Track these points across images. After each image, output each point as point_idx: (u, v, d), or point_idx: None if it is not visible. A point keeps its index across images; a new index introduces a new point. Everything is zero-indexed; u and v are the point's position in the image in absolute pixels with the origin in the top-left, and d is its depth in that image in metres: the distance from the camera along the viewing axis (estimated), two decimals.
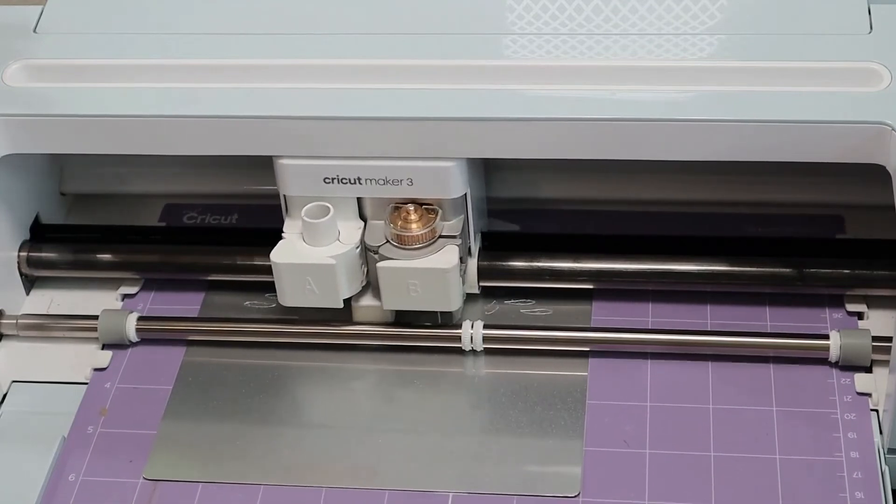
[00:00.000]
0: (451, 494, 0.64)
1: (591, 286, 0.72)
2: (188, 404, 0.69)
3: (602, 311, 0.72)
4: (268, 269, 0.72)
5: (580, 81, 0.66)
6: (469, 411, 0.68)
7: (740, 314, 0.71)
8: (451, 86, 0.66)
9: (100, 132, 0.67)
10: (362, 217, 0.69)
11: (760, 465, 0.63)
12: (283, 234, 0.68)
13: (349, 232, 0.68)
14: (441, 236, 0.67)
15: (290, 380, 0.70)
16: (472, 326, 0.70)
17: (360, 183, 0.67)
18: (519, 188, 0.76)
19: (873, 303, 0.70)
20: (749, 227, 0.75)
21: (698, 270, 0.70)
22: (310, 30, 0.71)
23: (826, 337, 0.67)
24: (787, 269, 0.70)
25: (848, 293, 0.70)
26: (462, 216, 0.68)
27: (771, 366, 0.68)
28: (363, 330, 0.71)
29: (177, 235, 0.78)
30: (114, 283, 0.76)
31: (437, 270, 0.66)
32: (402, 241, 0.67)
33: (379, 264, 0.67)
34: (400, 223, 0.67)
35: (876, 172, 0.62)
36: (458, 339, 0.70)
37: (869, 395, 0.66)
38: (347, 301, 0.69)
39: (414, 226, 0.67)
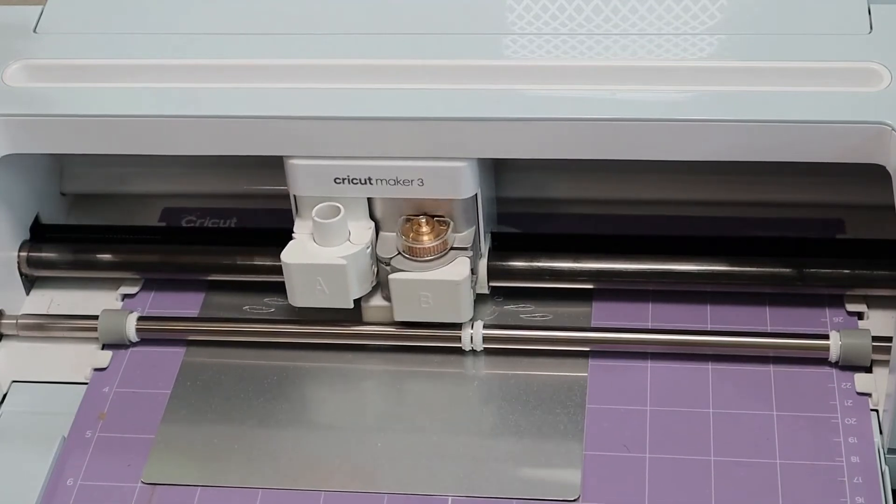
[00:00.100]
0: (450, 498, 0.64)
1: (591, 286, 0.72)
2: (187, 407, 0.69)
3: (602, 312, 0.72)
4: (268, 269, 0.72)
5: (584, 81, 0.66)
6: (469, 413, 0.68)
7: (740, 314, 0.71)
8: (463, 86, 0.66)
9: (100, 132, 0.67)
10: (373, 217, 0.69)
11: (761, 469, 0.63)
12: (293, 235, 0.68)
13: (360, 232, 0.68)
14: (453, 248, 0.68)
15: (289, 381, 0.70)
16: (473, 326, 0.70)
17: (370, 183, 0.67)
18: (519, 188, 0.76)
19: (873, 303, 0.70)
20: (749, 227, 0.75)
21: (698, 270, 0.70)
22: (317, 30, 0.71)
23: (826, 337, 0.67)
24: (787, 269, 0.70)
25: (848, 293, 0.70)
26: (473, 227, 0.68)
27: (771, 366, 0.68)
28: (362, 330, 0.71)
29: (177, 235, 0.78)
30: (114, 283, 0.76)
31: (449, 283, 0.67)
32: (413, 253, 0.67)
33: (391, 276, 0.67)
34: (412, 235, 0.67)
35: (876, 172, 0.62)
36: (458, 339, 0.70)
37: (869, 395, 0.66)
38: (356, 302, 0.69)
39: (425, 238, 0.67)
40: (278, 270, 0.68)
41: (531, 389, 0.68)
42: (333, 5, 0.72)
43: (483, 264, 0.71)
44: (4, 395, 0.71)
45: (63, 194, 0.80)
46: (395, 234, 0.68)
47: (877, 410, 0.66)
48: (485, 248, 0.71)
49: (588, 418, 0.66)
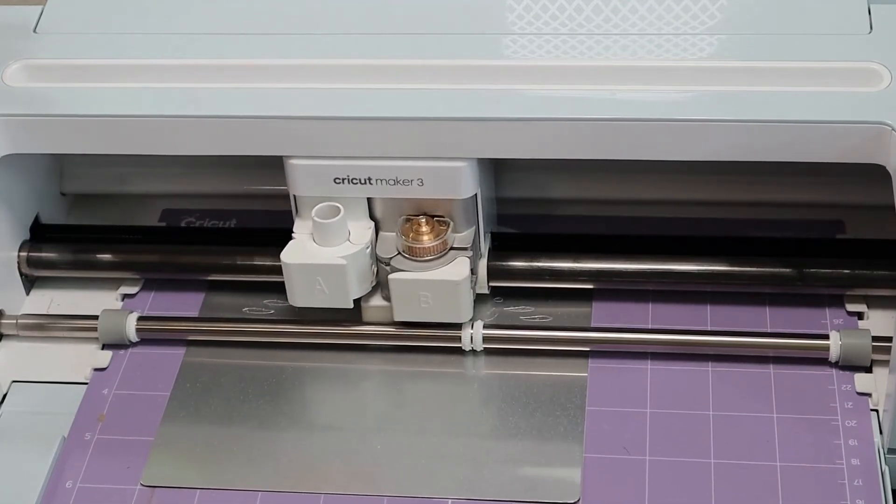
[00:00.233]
0: (450, 500, 0.64)
1: (591, 286, 0.72)
2: (187, 408, 0.69)
3: (602, 312, 0.72)
4: (268, 269, 0.72)
5: (584, 81, 0.66)
6: (469, 415, 0.68)
7: (740, 314, 0.71)
8: (463, 86, 0.66)
9: (100, 132, 0.67)
10: (372, 218, 0.69)
11: (761, 472, 0.63)
12: (293, 235, 0.68)
13: (359, 232, 0.68)
14: (452, 248, 0.68)
15: (289, 381, 0.70)
16: (472, 327, 0.70)
17: (370, 183, 0.67)
18: (519, 188, 0.76)
19: (873, 303, 0.70)
20: (749, 227, 0.75)
21: (698, 270, 0.70)
22: (317, 30, 0.71)
23: (826, 337, 0.67)
24: (787, 270, 0.70)
25: (848, 293, 0.70)
26: (473, 227, 0.68)
27: (771, 366, 0.68)
28: (362, 330, 0.71)
29: (177, 235, 0.78)
30: (114, 283, 0.76)
31: (449, 283, 0.67)
32: (413, 253, 0.67)
33: (391, 276, 0.67)
34: (412, 235, 0.67)
35: (876, 172, 0.62)
36: (458, 339, 0.70)
37: (869, 395, 0.66)
38: (356, 302, 0.69)
39: (425, 238, 0.67)
40: (278, 270, 0.68)
41: (531, 390, 0.68)
42: (333, 5, 0.72)
43: (483, 264, 0.71)
44: (4, 395, 0.71)
45: (63, 194, 0.80)
46: (394, 233, 0.68)
47: (877, 410, 0.66)
48: (485, 248, 0.71)
49: (588, 420, 0.66)
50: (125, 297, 0.76)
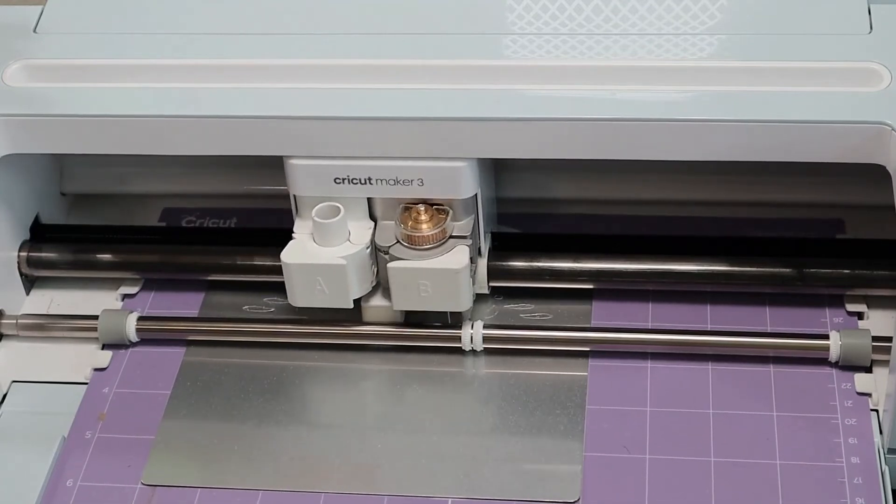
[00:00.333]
0: (449, 499, 0.64)
1: (591, 286, 0.72)
2: (187, 407, 0.69)
3: (602, 312, 0.72)
4: (268, 269, 0.72)
5: (584, 81, 0.66)
6: (469, 414, 0.68)
7: (740, 314, 0.71)
8: (463, 86, 0.66)
9: (100, 132, 0.67)
10: (373, 217, 0.69)
11: (761, 470, 0.63)
12: (293, 235, 0.68)
13: (359, 232, 0.68)
14: (452, 237, 0.68)
15: (289, 381, 0.70)
16: (472, 326, 0.70)
17: (370, 183, 0.67)
18: (519, 188, 0.76)
19: (873, 303, 0.70)
20: (749, 227, 0.75)
21: (698, 270, 0.70)
22: (318, 30, 0.71)
23: (826, 337, 0.67)
24: (787, 269, 0.70)
25: (848, 293, 0.70)
26: (473, 216, 0.68)
27: (771, 366, 0.68)
28: (362, 330, 0.71)
29: (177, 235, 0.78)
30: (114, 283, 0.76)
31: (448, 271, 0.66)
32: (412, 242, 0.67)
33: (389, 264, 0.67)
34: (410, 223, 0.67)
35: (876, 172, 0.62)
36: (458, 339, 0.70)
37: (869, 395, 0.66)
38: (356, 302, 0.69)
39: (424, 226, 0.67)
40: (278, 270, 0.68)
41: (531, 389, 0.68)
42: (334, 5, 0.72)
43: (483, 264, 0.71)
44: (4, 395, 0.71)
45: (63, 194, 0.80)
46: (393, 222, 0.68)
47: (877, 410, 0.66)
48: (485, 248, 0.71)
49: (588, 419, 0.66)
50: (125, 297, 0.76)
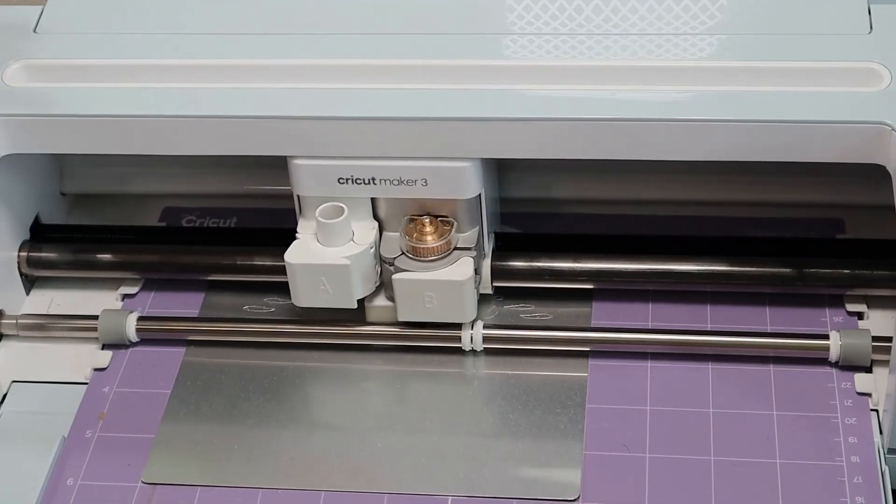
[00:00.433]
0: (450, 498, 0.64)
1: (591, 286, 0.72)
2: (187, 407, 0.69)
3: (602, 312, 0.72)
4: (268, 269, 0.72)
5: (584, 81, 0.66)
6: (469, 414, 0.68)
7: (740, 314, 0.71)
8: (466, 86, 0.66)
9: (100, 132, 0.67)
10: (376, 218, 0.69)
11: (761, 469, 0.63)
12: (297, 235, 0.68)
13: (363, 232, 0.68)
14: (456, 248, 0.68)
15: (290, 381, 0.70)
16: (473, 327, 0.70)
17: (374, 183, 0.67)
18: (519, 188, 0.76)
19: (873, 303, 0.70)
20: (749, 227, 0.75)
21: (698, 270, 0.70)
22: (319, 30, 0.71)
23: (826, 337, 0.67)
24: (787, 269, 0.70)
25: (848, 293, 0.70)
26: (477, 227, 0.68)
27: (771, 366, 0.68)
28: (364, 330, 0.71)
29: (177, 235, 0.78)
30: (114, 283, 0.76)
31: (453, 283, 0.67)
32: (417, 253, 0.67)
33: (395, 276, 0.67)
34: (415, 235, 0.67)
35: (876, 172, 0.62)
36: (459, 339, 0.70)
37: (869, 395, 0.66)
38: (360, 302, 0.69)
39: (429, 238, 0.67)
40: (278, 270, 0.69)
41: (531, 389, 0.68)
42: (335, 5, 0.72)
43: (487, 264, 0.71)
44: (4, 395, 0.71)
45: (63, 194, 0.80)
46: (398, 233, 0.68)
47: (877, 410, 0.66)
48: (488, 248, 0.71)
49: (588, 418, 0.66)
50: (125, 297, 0.76)
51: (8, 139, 0.68)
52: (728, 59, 0.66)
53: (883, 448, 0.64)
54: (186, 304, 0.75)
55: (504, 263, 0.71)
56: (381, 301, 0.70)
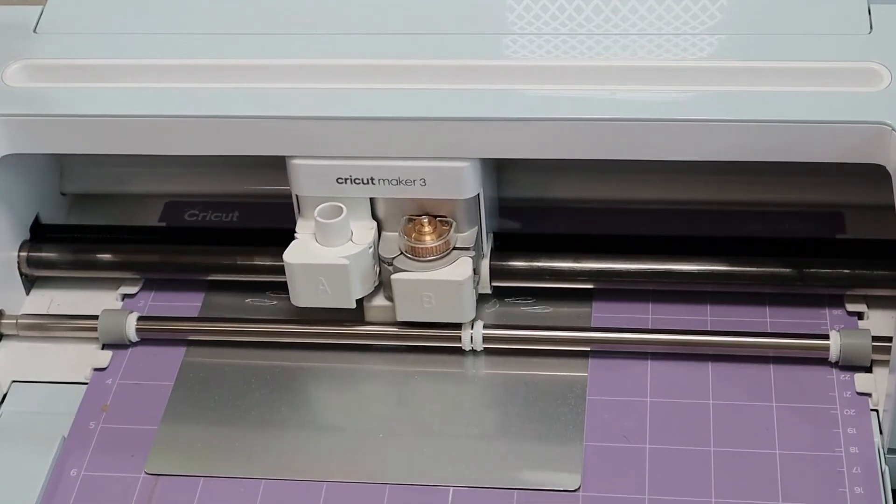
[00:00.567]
0: (451, 489, 0.64)
1: (591, 286, 0.72)
2: (189, 401, 0.69)
3: (602, 311, 0.72)
4: (268, 269, 0.72)
5: (584, 81, 0.66)
6: (469, 411, 0.68)
7: (740, 314, 0.71)
8: (465, 86, 0.66)
9: (100, 132, 0.67)
10: (375, 218, 0.69)
11: (760, 460, 0.63)
12: (295, 235, 0.69)
13: (362, 232, 0.68)
14: (455, 248, 0.68)
15: (290, 381, 0.70)
16: (472, 326, 0.70)
17: (373, 183, 0.67)
18: (519, 188, 0.76)
19: (873, 303, 0.70)
20: (749, 226, 0.75)
21: (698, 270, 0.70)
22: (318, 30, 0.71)
23: (826, 337, 0.67)
24: (787, 269, 0.70)
25: (848, 293, 0.70)
26: (476, 227, 0.68)
27: (771, 366, 0.68)
28: (363, 330, 0.71)
29: (177, 235, 0.78)
30: (114, 283, 0.76)
31: (452, 283, 0.67)
32: (416, 253, 0.67)
33: (393, 276, 0.67)
34: (414, 235, 0.67)
35: (876, 172, 0.62)
36: (459, 339, 0.70)
37: (869, 395, 0.66)
38: (358, 302, 0.69)
39: (428, 238, 0.67)
40: (278, 270, 0.69)
41: (531, 389, 0.68)
42: (335, 5, 0.72)
43: (486, 264, 0.71)
44: (4, 395, 0.71)
45: (63, 194, 0.80)
46: (397, 233, 0.68)
47: (877, 410, 0.66)
48: (487, 248, 0.71)
49: (588, 410, 0.67)
50: (125, 297, 0.76)
51: (8, 139, 0.68)
52: (728, 59, 0.66)
53: (883, 448, 0.64)
54: (186, 304, 0.75)
55: (503, 263, 0.71)
56: (379, 301, 0.70)
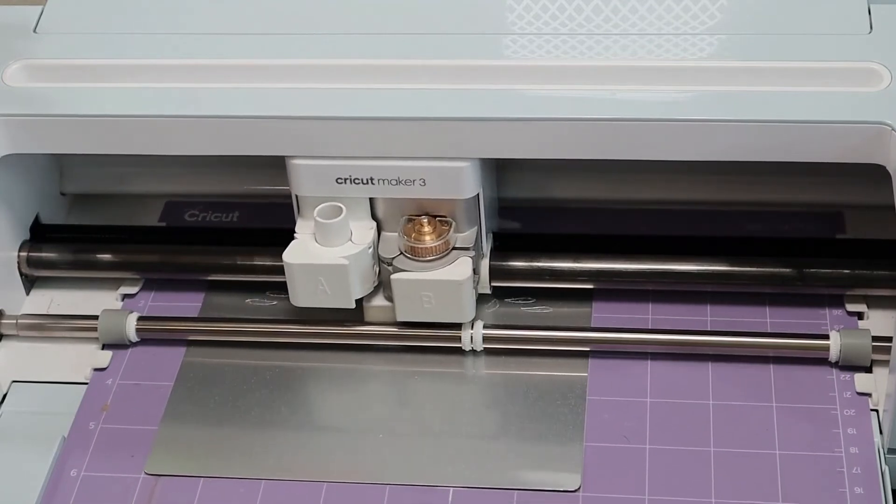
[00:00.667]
0: (451, 489, 0.64)
1: (591, 286, 0.72)
2: (189, 401, 0.69)
3: (602, 311, 0.72)
4: (268, 269, 0.72)
5: (584, 81, 0.66)
6: (469, 411, 0.68)
7: (740, 314, 0.71)
8: (465, 86, 0.66)
9: (100, 132, 0.67)
10: (375, 218, 0.69)
11: (760, 460, 0.63)
12: (295, 235, 0.69)
13: (361, 232, 0.68)
14: (454, 248, 0.68)
15: (290, 381, 0.70)
16: (472, 326, 0.70)
17: (372, 183, 0.67)
18: (519, 188, 0.76)
19: (873, 303, 0.70)
20: (749, 226, 0.75)
21: (698, 270, 0.70)
22: (318, 30, 0.71)
23: (826, 337, 0.67)
24: (787, 269, 0.70)
25: (848, 293, 0.70)
26: (475, 227, 0.68)
27: (771, 366, 0.68)
28: (363, 330, 0.71)
29: (177, 235, 0.78)
30: (114, 283, 0.76)
31: (451, 283, 0.67)
32: (415, 253, 0.67)
33: (393, 276, 0.67)
34: (414, 235, 0.67)
35: (876, 172, 0.62)
36: (459, 339, 0.70)
37: (869, 395, 0.66)
38: (358, 302, 0.69)
39: (427, 238, 0.67)
40: (278, 270, 0.69)
41: (531, 389, 0.68)
42: (334, 5, 0.72)
43: (485, 264, 0.71)
44: (4, 395, 0.71)
45: (63, 194, 0.80)
46: (397, 233, 0.68)
47: (877, 410, 0.66)
48: (487, 248, 0.71)
49: (588, 410, 0.67)
50: (125, 297, 0.76)
51: (8, 139, 0.68)
52: (728, 59, 0.66)
53: (883, 448, 0.64)
54: (186, 304, 0.75)
55: (503, 263, 0.71)
56: (379, 301, 0.70)
